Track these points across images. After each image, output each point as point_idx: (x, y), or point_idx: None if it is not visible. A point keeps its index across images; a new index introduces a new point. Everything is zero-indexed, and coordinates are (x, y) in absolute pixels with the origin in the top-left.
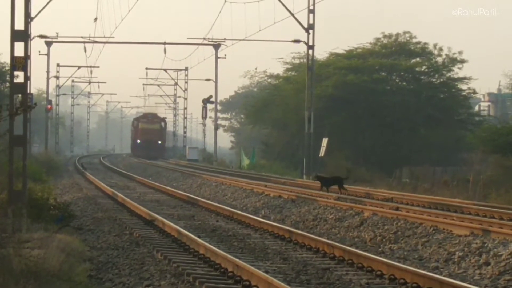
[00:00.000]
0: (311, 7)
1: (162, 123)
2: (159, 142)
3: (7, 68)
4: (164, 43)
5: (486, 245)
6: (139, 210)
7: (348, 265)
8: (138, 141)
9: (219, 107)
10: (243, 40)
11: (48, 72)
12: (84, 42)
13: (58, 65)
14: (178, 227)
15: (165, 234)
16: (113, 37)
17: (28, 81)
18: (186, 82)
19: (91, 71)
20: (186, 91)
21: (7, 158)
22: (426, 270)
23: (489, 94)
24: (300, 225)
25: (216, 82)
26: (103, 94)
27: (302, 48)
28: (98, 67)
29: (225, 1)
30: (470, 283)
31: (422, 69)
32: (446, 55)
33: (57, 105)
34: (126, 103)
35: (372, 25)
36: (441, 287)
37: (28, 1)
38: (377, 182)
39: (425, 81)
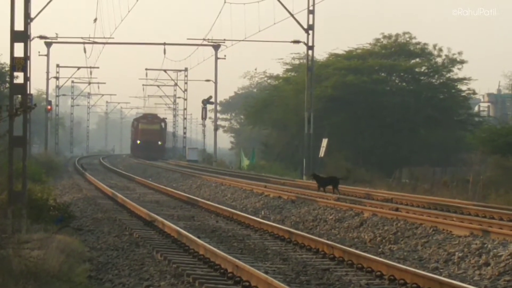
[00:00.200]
0: (311, 8)
1: (162, 124)
2: (159, 142)
3: (7, 68)
4: (164, 44)
5: (485, 245)
6: (139, 210)
7: (348, 265)
8: (138, 141)
9: (219, 108)
10: (243, 40)
11: (48, 72)
12: (84, 43)
13: (57, 65)
14: (178, 228)
15: (165, 235)
16: (113, 38)
17: (28, 82)
18: (185, 83)
19: (90, 72)
20: (185, 92)
21: (7, 158)
22: (426, 271)
23: (489, 94)
24: (300, 226)
25: (215, 82)
26: (102, 95)
27: (301, 49)
28: (98, 67)
29: (225, 2)
30: (469, 284)
31: (422, 70)
32: (445, 55)
33: (57, 105)
34: (126, 104)
35: (372, 26)
36: None
37: (28, 2)
38: (376, 183)
39: (424, 82)
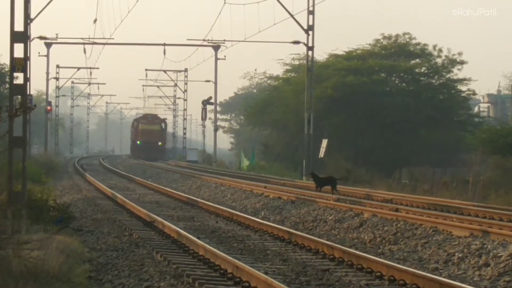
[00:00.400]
0: (311, 8)
1: (163, 124)
2: (160, 143)
3: (6, 69)
4: (164, 44)
5: (485, 246)
6: (138, 211)
7: (347, 266)
8: (138, 142)
9: (218, 108)
10: (243, 41)
11: (47, 73)
12: (84, 43)
13: (57, 66)
14: (177, 228)
15: (164, 235)
16: (113, 38)
17: (28, 83)
18: (185, 83)
19: (90, 72)
20: (185, 92)
21: (7, 159)
22: (426, 271)
23: (489, 95)
24: (300, 226)
25: (215, 83)
26: (102, 95)
27: (301, 49)
28: (97, 68)
29: (225, 2)
30: (469, 284)
31: (422, 70)
32: (445, 56)
33: (57, 106)
34: (126, 104)
35: (371, 26)
36: None
37: (28, 3)
38: (376, 183)
39: (424, 82)
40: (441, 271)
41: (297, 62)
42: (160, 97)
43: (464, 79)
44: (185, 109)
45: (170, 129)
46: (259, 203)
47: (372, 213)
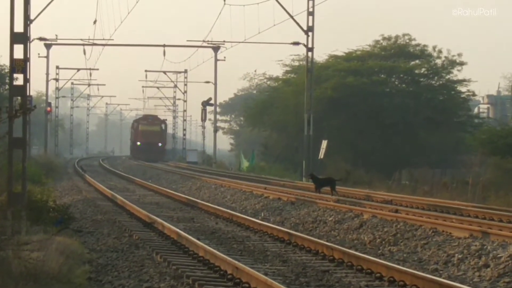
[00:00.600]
0: (311, 9)
1: (163, 125)
2: (160, 144)
3: (6, 70)
4: (164, 46)
5: (485, 247)
6: (138, 212)
7: (347, 267)
8: (138, 143)
9: (218, 110)
10: (243, 42)
11: (47, 74)
12: (84, 45)
13: (57, 67)
14: (177, 230)
15: (164, 237)
16: (113, 39)
17: (28, 84)
18: (185, 85)
19: (90, 73)
20: (185, 94)
21: (7, 160)
22: (426, 272)
23: (489, 96)
24: (300, 227)
25: (215, 84)
26: (102, 97)
27: (301, 50)
28: (97, 69)
29: (225, 3)
30: (469, 285)
31: (422, 71)
32: (445, 57)
33: (57, 107)
34: (126, 105)
35: (371, 27)
36: None
37: (28, 4)
38: (376, 184)
39: (424, 83)
40: (441, 272)
41: (296, 63)
42: (160, 98)
43: (464, 80)
44: (185, 110)
45: (170, 130)
46: (259, 204)
47: (372, 214)
